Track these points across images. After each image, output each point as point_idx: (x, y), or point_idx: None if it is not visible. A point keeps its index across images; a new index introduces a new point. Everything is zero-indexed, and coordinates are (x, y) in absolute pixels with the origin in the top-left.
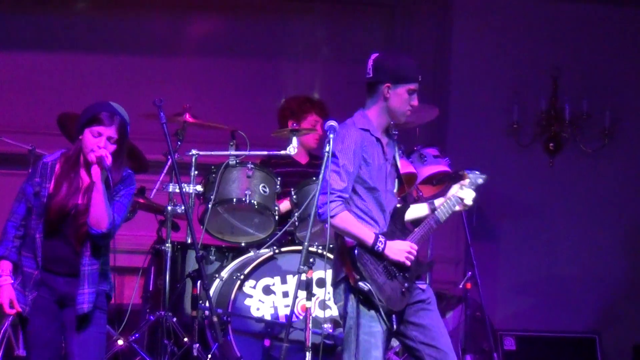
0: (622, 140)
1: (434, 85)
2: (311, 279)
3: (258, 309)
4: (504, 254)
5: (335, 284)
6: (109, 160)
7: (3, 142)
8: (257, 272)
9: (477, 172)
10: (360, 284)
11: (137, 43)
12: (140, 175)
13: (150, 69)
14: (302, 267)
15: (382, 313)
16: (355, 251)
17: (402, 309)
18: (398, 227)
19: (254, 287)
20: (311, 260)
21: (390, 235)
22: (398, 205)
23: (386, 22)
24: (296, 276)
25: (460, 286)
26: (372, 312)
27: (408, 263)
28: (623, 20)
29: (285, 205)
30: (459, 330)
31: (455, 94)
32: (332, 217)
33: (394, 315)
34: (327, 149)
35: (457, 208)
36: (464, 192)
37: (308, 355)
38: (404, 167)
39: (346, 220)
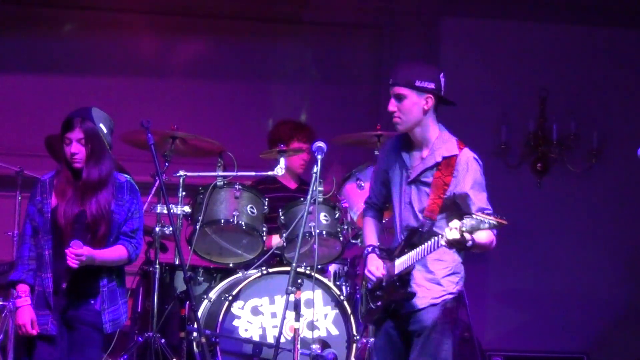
0: (609, 160)
1: None
2: (299, 300)
3: (246, 330)
4: (492, 274)
5: None
6: (74, 265)
7: None
8: (245, 293)
9: (483, 217)
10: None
11: (125, 65)
12: None
13: (138, 91)
14: (290, 287)
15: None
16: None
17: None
18: (402, 247)
19: (242, 308)
20: (299, 281)
21: (389, 252)
22: (414, 226)
23: (374, 44)
24: (284, 297)
25: None
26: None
27: (373, 278)
28: (610, 41)
29: (275, 240)
30: None
31: (443, 115)
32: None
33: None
34: (314, 169)
35: (442, 243)
36: (450, 232)
37: None
38: None
39: (363, 223)
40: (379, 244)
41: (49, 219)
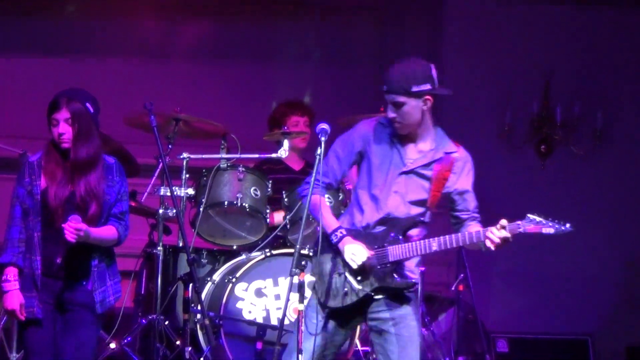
0: (613, 142)
1: None
2: (303, 282)
3: (250, 312)
4: (496, 257)
5: None
6: (71, 239)
7: None
8: (249, 275)
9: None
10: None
11: (129, 47)
12: (132, 178)
13: (141, 73)
14: (294, 269)
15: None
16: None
17: (342, 307)
18: (388, 235)
19: (246, 290)
20: (303, 262)
21: (365, 236)
22: (403, 217)
23: (377, 26)
24: (288, 279)
25: (453, 288)
26: (314, 302)
27: (354, 265)
28: (614, 23)
29: (278, 218)
30: (452, 332)
31: (447, 98)
32: (302, 196)
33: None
34: (318, 151)
35: (486, 244)
36: (497, 233)
37: (300, 357)
38: None
39: (314, 204)
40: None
41: (39, 200)
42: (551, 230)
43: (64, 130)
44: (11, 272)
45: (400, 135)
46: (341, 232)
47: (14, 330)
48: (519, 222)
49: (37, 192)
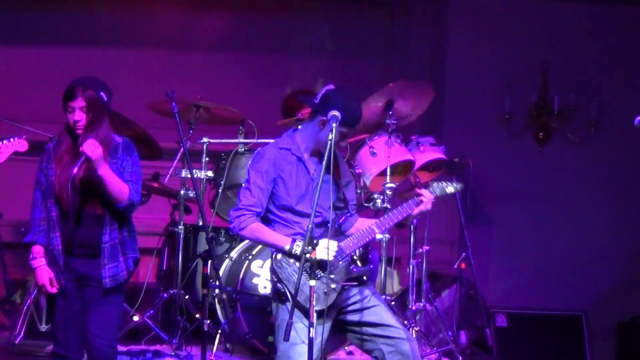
0: (607, 130)
1: (431, 79)
2: (315, 259)
3: (265, 287)
4: (496, 236)
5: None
6: (94, 155)
7: (26, 130)
8: (264, 253)
9: (447, 183)
10: (278, 285)
11: (153, 38)
12: (154, 161)
13: (164, 62)
14: (306, 247)
15: (302, 311)
16: (273, 256)
17: (328, 306)
18: (335, 231)
19: (261, 267)
20: (314, 241)
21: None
22: (332, 218)
23: (385, 19)
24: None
25: (455, 266)
26: (299, 314)
27: (331, 257)
28: (609, 16)
29: None
30: (454, 307)
31: (450, 87)
32: (241, 229)
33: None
34: (329, 137)
35: (415, 211)
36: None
37: (312, 330)
38: (403, 154)
39: (257, 230)
40: None
41: (52, 182)
42: (452, 189)
43: (80, 117)
44: (37, 250)
45: (301, 153)
46: (299, 240)
47: (44, 303)
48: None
49: (52, 174)
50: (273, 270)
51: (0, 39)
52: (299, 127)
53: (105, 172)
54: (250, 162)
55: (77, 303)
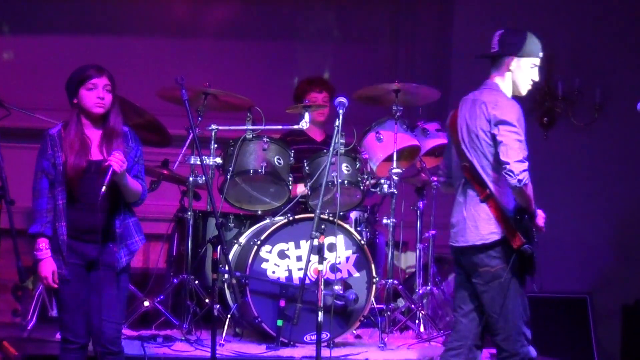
0: (611, 115)
1: (437, 65)
2: (323, 244)
3: (274, 272)
4: None
5: (487, 246)
6: (119, 169)
7: (37, 119)
8: (272, 238)
9: None
10: (527, 247)
11: (162, 26)
12: (164, 148)
13: (173, 50)
14: (314, 233)
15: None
16: (526, 217)
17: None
18: None
19: (270, 252)
20: (323, 226)
21: None
22: None
23: (392, 6)
24: (309, 241)
25: None
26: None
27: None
28: (614, 1)
29: (300, 189)
30: None
31: (456, 73)
32: (525, 184)
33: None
34: (337, 123)
35: None
36: None
37: (320, 314)
38: (408, 140)
39: (531, 189)
40: None
41: (61, 171)
42: None
43: (104, 95)
44: (42, 242)
45: None
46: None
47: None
48: None
49: (60, 162)
50: (523, 230)
51: (12, 28)
52: (492, 77)
53: (127, 181)
54: (503, 113)
55: (85, 289)
